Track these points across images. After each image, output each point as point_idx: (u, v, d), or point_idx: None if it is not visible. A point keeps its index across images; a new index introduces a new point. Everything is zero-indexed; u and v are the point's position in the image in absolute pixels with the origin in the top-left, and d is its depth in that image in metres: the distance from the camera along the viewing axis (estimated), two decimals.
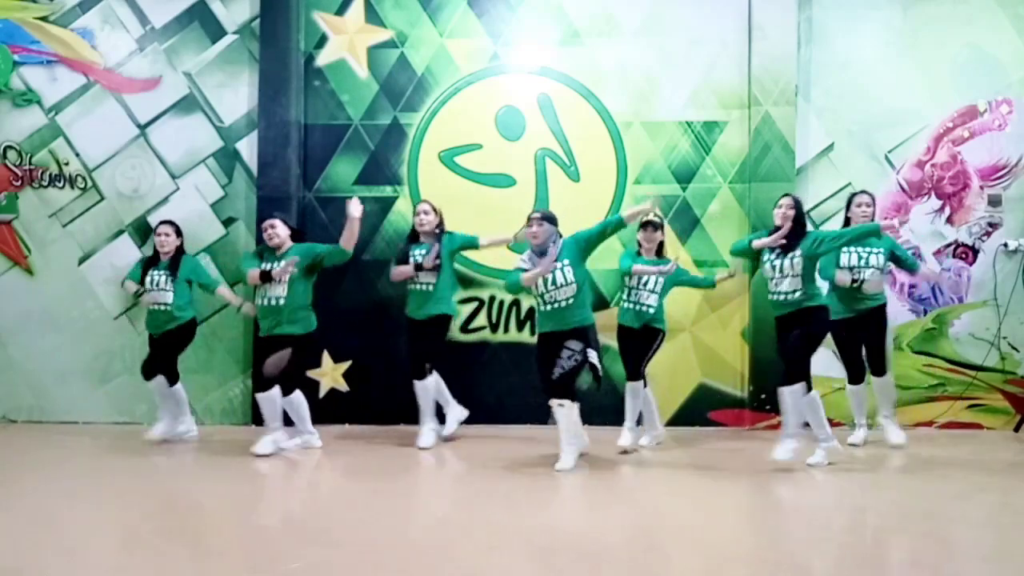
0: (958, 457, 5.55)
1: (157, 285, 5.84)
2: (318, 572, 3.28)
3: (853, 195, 5.82)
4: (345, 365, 6.67)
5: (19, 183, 6.79)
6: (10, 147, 6.79)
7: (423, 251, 5.74)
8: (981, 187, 6.64)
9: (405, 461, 5.39)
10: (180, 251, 5.98)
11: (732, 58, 6.67)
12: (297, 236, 5.69)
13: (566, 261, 5.10)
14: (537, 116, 6.73)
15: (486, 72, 6.76)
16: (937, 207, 6.64)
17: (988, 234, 6.61)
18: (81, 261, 6.75)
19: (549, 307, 5.12)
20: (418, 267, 5.70)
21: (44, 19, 6.81)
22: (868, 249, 5.66)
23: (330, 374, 6.68)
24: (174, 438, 5.93)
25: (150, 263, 5.96)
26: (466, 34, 6.75)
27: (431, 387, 5.75)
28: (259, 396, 5.49)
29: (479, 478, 4.99)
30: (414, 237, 5.89)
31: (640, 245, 5.72)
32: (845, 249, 5.58)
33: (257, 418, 6.47)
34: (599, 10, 6.74)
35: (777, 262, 5.22)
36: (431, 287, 5.74)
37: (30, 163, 6.79)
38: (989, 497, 4.61)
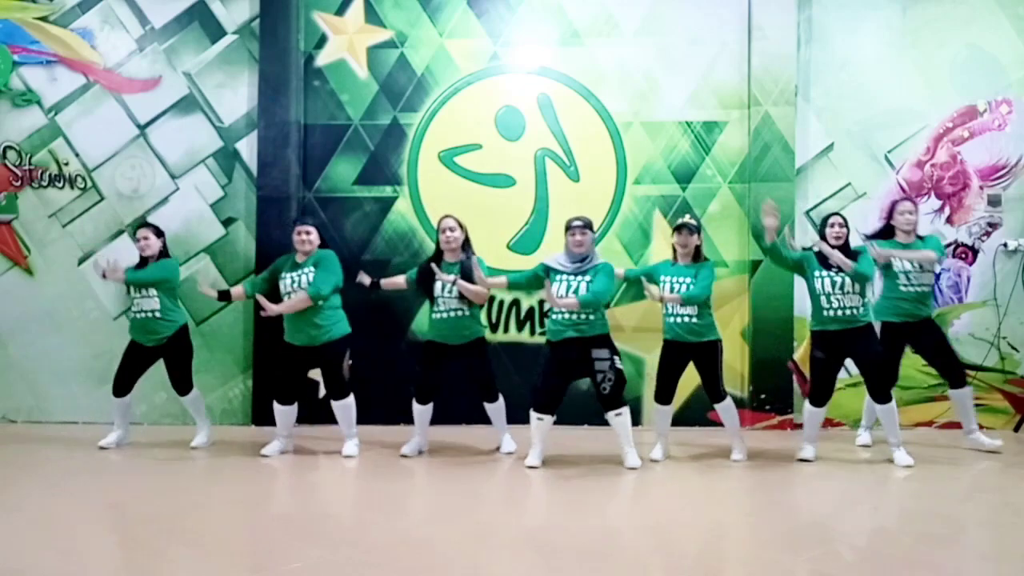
0: (958, 457, 5.55)
1: (142, 292, 5.63)
2: (318, 572, 3.28)
3: (896, 202, 5.72)
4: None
5: (19, 183, 6.79)
6: (10, 147, 6.79)
7: (454, 275, 5.32)
8: (981, 187, 6.64)
9: (405, 461, 5.38)
10: (164, 254, 5.73)
11: (732, 58, 6.67)
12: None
13: (593, 277, 5.12)
14: (537, 116, 6.73)
15: (486, 72, 6.76)
16: (937, 207, 6.64)
17: (988, 234, 6.61)
18: (81, 261, 6.74)
19: (570, 315, 5.09)
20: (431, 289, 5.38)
21: (44, 19, 6.81)
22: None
23: None
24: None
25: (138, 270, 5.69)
26: (466, 34, 6.75)
27: (503, 405, 5.60)
28: (340, 404, 5.48)
29: (480, 478, 4.99)
30: (438, 255, 5.48)
31: (675, 251, 5.42)
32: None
33: (258, 418, 6.49)
34: (599, 10, 6.74)
35: (838, 279, 5.23)
36: (463, 313, 5.37)
37: (30, 163, 6.78)
38: (989, 497, 4.61)
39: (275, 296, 5.46)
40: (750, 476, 5.09)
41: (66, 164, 6.78)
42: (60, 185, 6.79)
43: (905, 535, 3.91)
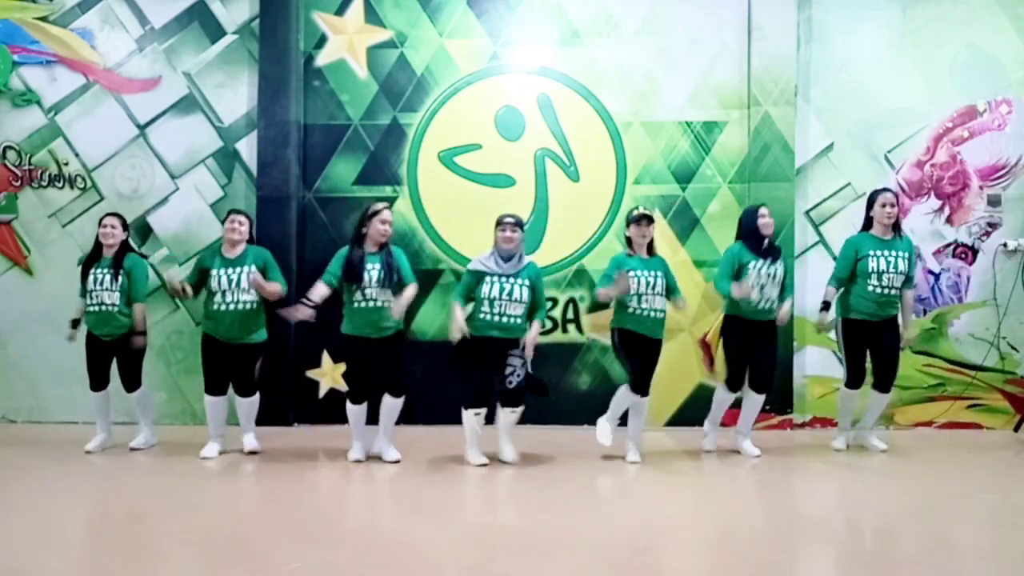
0: (958, 457, 5.55)
1: (101, 284, 5.57)
2: (318, 572, 3.28)
3: (876, 193, 5.62)
4: (345, 365, 6.66)
5: (19, 183, 6.79)
6: (10, 147, 6.79)
7: (376, 266, 5.20)
8: (980, 187, 6.64)
9: (404, 461, 5.38)
10: (125, 246, 5.71)
11: (732, 58, 6.67)
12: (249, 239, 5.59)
13: (527, 281, 5.18)
14: (537, 116, 6.73)
15: (486, 72, 6.76)
16: (937, 207, 6.64)
17: (988, 234, 6.62)
18: (81, 261, 6.73)
19: (497, 317, 5.13)
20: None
21: (44, 19, 6.80)
22: (894, 253, 5.49)
23: (330, 374, 6.68)
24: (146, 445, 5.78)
25: (92, 260, 5.64)
26: (466, 34, 6.74)
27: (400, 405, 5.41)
28: (247, 400, 5.59)
29: (479, 478, 4.99)
30: (359, 240, 5.27)
31: (630, 242, 5.39)
32: (872, 254, 5.47)
33: (258, 419, 6.47)
34: (599, 10, 6.74)
35: (767, 269, 5.40)
36: (388, 304, 5.22)
37: (30, 163, 6.78)
38: (989, 497, 4.61)
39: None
40: (749, 476, 5.09)
41: (66, 164, 6.78)
42: (60, 185, 6.78)
43: (905, 535, 3.91)
